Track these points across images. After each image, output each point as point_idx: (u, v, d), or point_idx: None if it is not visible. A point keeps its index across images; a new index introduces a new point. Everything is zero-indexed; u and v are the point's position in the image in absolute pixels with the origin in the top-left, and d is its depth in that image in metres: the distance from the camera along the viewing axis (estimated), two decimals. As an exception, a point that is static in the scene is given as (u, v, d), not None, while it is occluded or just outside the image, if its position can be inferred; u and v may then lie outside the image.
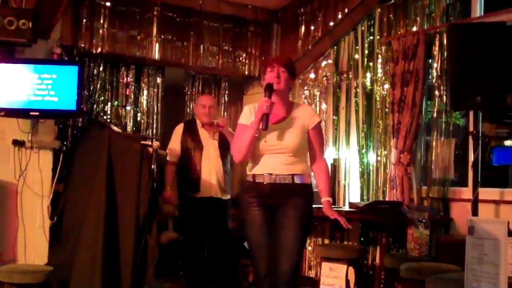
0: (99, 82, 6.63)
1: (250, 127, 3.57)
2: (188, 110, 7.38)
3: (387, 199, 5.77)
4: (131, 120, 6.87)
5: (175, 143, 5.88)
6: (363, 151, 6.26)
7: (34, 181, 5.26)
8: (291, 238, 3.56)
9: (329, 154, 6.61)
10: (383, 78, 6.13)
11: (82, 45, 6.26)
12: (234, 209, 6.11)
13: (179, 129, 5.97)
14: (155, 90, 7.03)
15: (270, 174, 3.60)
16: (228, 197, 5.91)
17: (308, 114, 3.72)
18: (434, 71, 5.62)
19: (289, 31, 7.25)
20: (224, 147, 5.85)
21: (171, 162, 5.83)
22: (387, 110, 5.99)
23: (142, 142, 5.06)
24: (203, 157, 5.78)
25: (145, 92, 6.96)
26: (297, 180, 3.62)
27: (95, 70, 6.60)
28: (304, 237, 3.74)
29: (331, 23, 6.57)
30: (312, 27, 6.86)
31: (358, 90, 6.44)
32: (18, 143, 5.21)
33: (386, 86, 6.05)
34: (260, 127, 3.53)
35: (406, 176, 5.57)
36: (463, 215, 5.09)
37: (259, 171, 3.63)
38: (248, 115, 3.72)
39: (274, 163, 3.60)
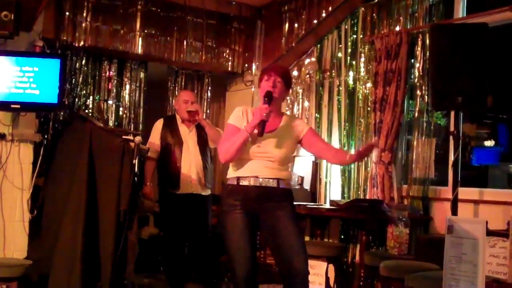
0: (81, 75, 6.60)
1: (243, 130, 3.53)
2: (170, 105, 7.36)
3: (367, 197, 5.80)
4: (113, 115, 6.84)
5: (155, 138, 5.87)
6: (345, 149, 6.29)
7: (14, 174, 5.21)
8: (295, 236, 3.55)
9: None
10: (366, 77, 6.16)
11: (65, 38, 6.21)
12: (215, 205, 6.12)
13: (158, 124, 5.95)
14: (138, 84, 7.01)
15: (256, 177, 3.57)
16: (208, 192, 5.91)
17: (297, 125, 3.76)
18: (416, 70, 5.65)
19: (272, 28, 7.25)
20: (204, 142, 5.84)
21: (150, 158, 5.82)
22: (369, 108, 6.02)
23: (123, 136, 5.04)
24: (183, 153, 5.77)
25: (128, 86, 6.94)
26: (282, 185, 3.61)
27: (77, 64, 6.56)
28: (302, 235, 3.77)
29: (315, 21, 6.58)
30: (296, 25, 6.87)
31: (340, 88, 6.46)
32: (-2, 136, 5.17)
33: (369, 85, 6.08)
34: (255, 132, 3.50)
35: (387, 174, 5.60)
36: (443, 214, 5.12)
37: (244, 174, 3.59)
38: (240, 117, 3.68)
39: (260, 166, 3.58)
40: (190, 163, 5.77)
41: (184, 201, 5.74)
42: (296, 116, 6.62)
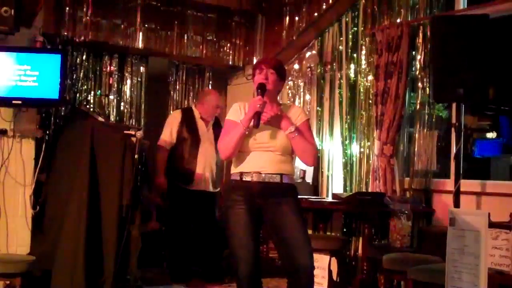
0: (82, 70, 6.57)
1: (240, 124, 3.51)
2: (172, 99, 7.36)
3: (370, 190, 5.79)
4: (114, 110, 6.82)
5: (173, 130, 5.83)
6: (347, 142, 6.28)
7: (16, 170, 5.21)
8: (299, 231, 3.50)
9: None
10: (367, 70, 6.14)
11: (65, 33, 6.19)
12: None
13: (177, 116, 5.92)
14: (139, 79, 6.99)
15: (259, 173, 3.52)
16: (218, 189, 5.90)
17: (296, 113, 3.69)
18: (417, 63, 5.64)
19: (273, 21, 7.23)
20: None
21: (164, 149, 5.78)
22: (370, 101, 6.01)
23: (125, 131, 5.04)
24: (200, 150, 5.75)
25: (129, 81, 6.92)
26: (285, 180, 3.57)
27: (78, 59, 6.53)
28: (307, 229, 3.73)
29: (316, 14, 6.56)
30: (297, 18, 6.85)
31: (342, 81, 6.45)
32: (0, 132, 5.16)
33: (370, 77, 6.08)
34: (251, 124, 3.48)
35: (389, 167, 5.60)
36: (445, 207, 5.12)
37: (247, 169, 3.55)
38: (238, 112, 3.66)
39: (262, 160, 3.54)
40: (205, 161, 5.75)
41: (194, 198, 5.73)
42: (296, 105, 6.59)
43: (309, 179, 6.45)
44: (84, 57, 6.58)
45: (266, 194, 3.54)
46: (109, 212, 4.79)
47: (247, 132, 3.51)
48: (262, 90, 3.54)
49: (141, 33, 6.67)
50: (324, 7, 6.45)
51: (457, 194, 4.65)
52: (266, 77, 3.61)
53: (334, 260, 5.38)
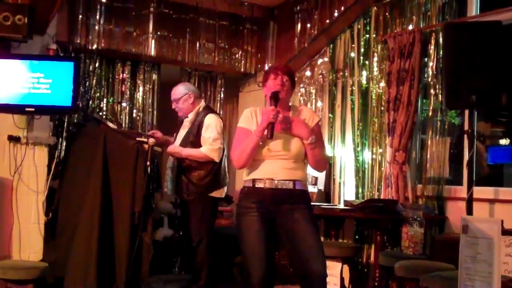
0: (95, 78, 6.62)
1: (253, 134, 3.51)
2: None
3: (382, 197, 5.78)
4: (127, 117, 6.85)
5: None
6: (359, 149, 6.27)
7: (29, 177, 5.24)
8: (313, 239, 3.50)
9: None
10: (379, 77, 6.14)
11: (78, 41, 6.24)
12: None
13: None
14: (151, 86, 7.02)
15: (272, 179, 3.53)
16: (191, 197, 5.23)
17: (308, 115, 3.69)
18: (429, 69, 5.63)
19: (285, 28, 7.25)
20: (194, 138, 5.27)
21: None
22: (382, 108, 6.00)
23: (137, 139, 5.06)
24: (168, 148, 5.40)
25: (141, 88, 6.95)
26: (298, 186, 3.57)
27: (90, 66, 6.57)
28: (320, 236, 3.72)
29: (327, 21, 6.57)
30: (308, 25, 6.86)
31: (353, 88, 6.44)
32: (13, 139, 5.19)
33: (382, 84, 6.06)
34: (265, 134, 3.47)
35: (401, 174, 5.58)
36: (458, 214, 5.09)
37: (260, 176, 3.56)
38: (249, 118, 3.66)
39: (275, 167, 3.54)
40: (168, 161, 5.41)
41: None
42: (306, 107, 6.57)
43: (321, 186, 6.44)
44: (96, 64, 6.62)
45: (279, 200, 3.54)
46: (122, 219, 4.80)
47: (261, 143, 3.51)
48: (276, 100, 3.54)
49: (153, 41, 6.70)
50: (336, 14, 6.46)
51: (470, 201, 4.62)
52: (283, 83, 3.61)
53: (346, 267, 5.37)
